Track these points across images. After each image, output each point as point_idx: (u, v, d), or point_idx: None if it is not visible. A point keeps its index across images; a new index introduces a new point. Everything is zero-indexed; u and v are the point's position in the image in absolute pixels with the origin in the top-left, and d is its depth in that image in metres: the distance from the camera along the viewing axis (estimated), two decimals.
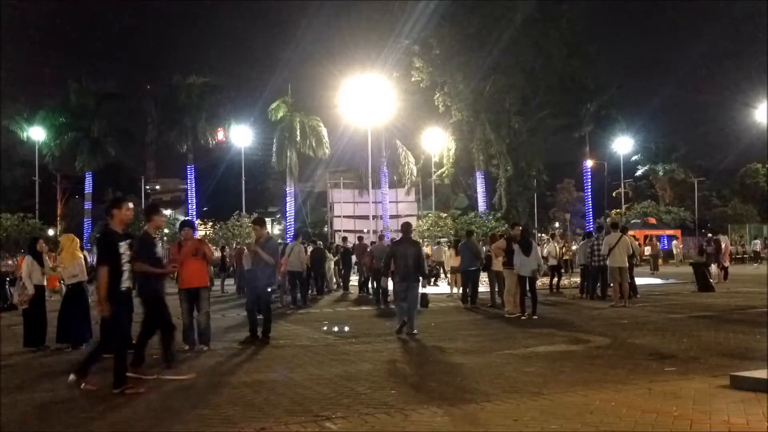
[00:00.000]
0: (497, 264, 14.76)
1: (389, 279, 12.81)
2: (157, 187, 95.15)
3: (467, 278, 16.01)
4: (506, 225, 36.56)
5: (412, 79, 40.00)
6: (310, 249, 19.50)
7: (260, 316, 10.43)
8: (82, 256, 10.86)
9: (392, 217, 44.24)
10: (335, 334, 11.41)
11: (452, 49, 39.14)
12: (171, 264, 9.39)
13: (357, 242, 22.22)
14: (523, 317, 12.58)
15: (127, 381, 6.84)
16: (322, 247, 21.44)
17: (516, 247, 13.13)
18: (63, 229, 46.71)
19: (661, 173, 57.27)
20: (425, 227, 37.27)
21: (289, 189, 44.63)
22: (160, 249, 8.52)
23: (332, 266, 22.52)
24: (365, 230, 40.42)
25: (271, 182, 69.00)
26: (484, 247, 20.98)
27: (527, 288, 12.91)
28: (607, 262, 14.96)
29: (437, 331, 11.30)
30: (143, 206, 47.68)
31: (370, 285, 19.48)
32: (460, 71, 39.36)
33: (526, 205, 43.16)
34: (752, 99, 48.41)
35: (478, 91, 40.10)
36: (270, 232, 51.67)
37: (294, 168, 43.55)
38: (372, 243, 21.72)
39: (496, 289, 15.20)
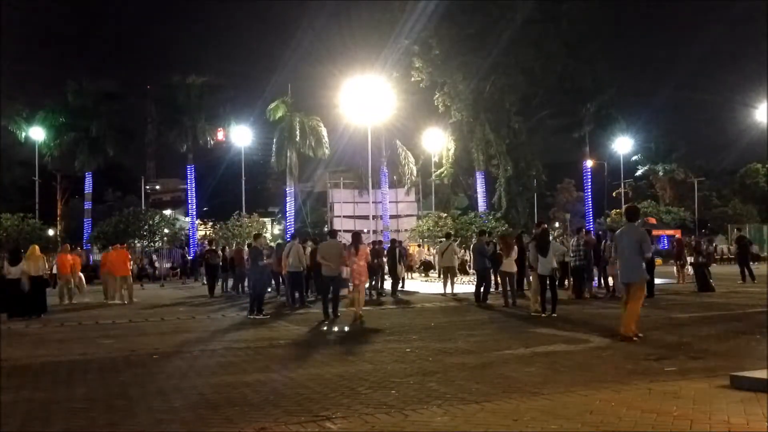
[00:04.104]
0: (507, 265, 14.98)
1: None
2: (157, 187, 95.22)
3: (480, 277, 16.37)
4: (506, 225, 36.59)
5: (412, 79, 39.96)
6: (308, 249, 19.41)
7: None
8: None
9: (392, 217, 44.21)
10: (335, 334, 11.42)
11: (452, 49, 39.09)
12: None
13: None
14: (543, 315, 12.65)
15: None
16: None
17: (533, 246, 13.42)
18: (63, 229, 46.74)
19: (661, 173, 57.25)
20: (425, 227, 37.25)
21: (289, 189, 44.60)
22: None
23: None
24: (365, 230, 40.41)
25: (271, 182, 69.00)
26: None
27: (547, 286, 13.05)
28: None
29: (437, 331, 11.30)
30: (143, 206, 47.76)
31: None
32: (460, 71, 39.33)
33: (526, 205, 43.12)
34: (752, 99, 48.47)
35: (478, 91, 40.07)
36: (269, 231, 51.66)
37: (294, 168, 43.51)
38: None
39: (509, 289, 15.32)
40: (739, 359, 7.71)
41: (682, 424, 5.12)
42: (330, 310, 13.41)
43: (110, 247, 22.10)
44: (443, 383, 6.90)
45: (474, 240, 19.76)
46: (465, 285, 21.56)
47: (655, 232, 39.89)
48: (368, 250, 15.31)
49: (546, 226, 14.61)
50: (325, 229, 48.12)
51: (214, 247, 24.62)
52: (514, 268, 15.29)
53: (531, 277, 14.28)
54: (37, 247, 16.51)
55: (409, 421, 5.48)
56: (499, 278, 16.43)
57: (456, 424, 5.34)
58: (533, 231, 15.29)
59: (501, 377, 7.15)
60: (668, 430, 5.03)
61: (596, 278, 17.99)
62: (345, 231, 40.44)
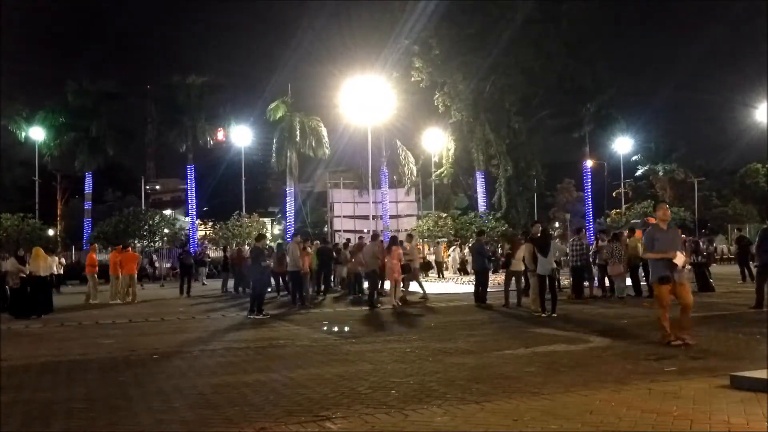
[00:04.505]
0: (515, 264, 14.99)
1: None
2: (157, 187, 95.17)
3: (479, 277, 16.32)
4: (506, 225, 36.60)
5: (412, 79, 39.98)
6: (309, 249, 19.41)
7: None
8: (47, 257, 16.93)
9: (392, 217, 44.18)
10: (335, 334, 11.41)
11: (452, 49, 39.12)
12: None
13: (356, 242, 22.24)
14: (543, 315, 12.64)
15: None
16: (330, 246, 21.59)
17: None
18: (63, 229, 46.73)
19: (661, 173, 57.25)
20: (425, 227, 37.25)
21: (289, 189, 44.60)
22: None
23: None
24: (365, 230, 40.41)
25: (271, 182, 68.97)
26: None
27: (547, 287, 13.03)
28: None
29: (437, 331, 11.30)
30: (143, 206, 47.76)
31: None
32: (460, 71, 39.34)
33: (526, 205, 43.15)
34: (752, 99, 48.51)
35: (478, 91, 40.09)
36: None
37: (294, 168, 43.52)
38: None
39: (512, 289, 15.30)
40: (739, 359, 7.70)
41: (682, 424, 5.12)
42: (372, 299, 15.81)
43: (110, 248, 22.61)
44: (443, 383, 6.90)
45: (472, 241, 19.86)
46: (465, 285, 21.58)
47: None
48: (400, 250, 16.67)
49: (540, 226, 14.61)
50: (326, 229, 48.32)
51: (187, 248, 25.16)
52: (522, 267, 15.28)
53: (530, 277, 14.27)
54: (41, 249, 16.99)
55: (409, 421, 5.48)
56: (504, 277, 16.39)
57: (456, 424, 5.34)
58: (531, 230, 15.27)
59: (501, 377, 7.14)
60: (668, 430, 5.02)
61: (596, 278, 18.00)
62: (345, 231, 40.52)
